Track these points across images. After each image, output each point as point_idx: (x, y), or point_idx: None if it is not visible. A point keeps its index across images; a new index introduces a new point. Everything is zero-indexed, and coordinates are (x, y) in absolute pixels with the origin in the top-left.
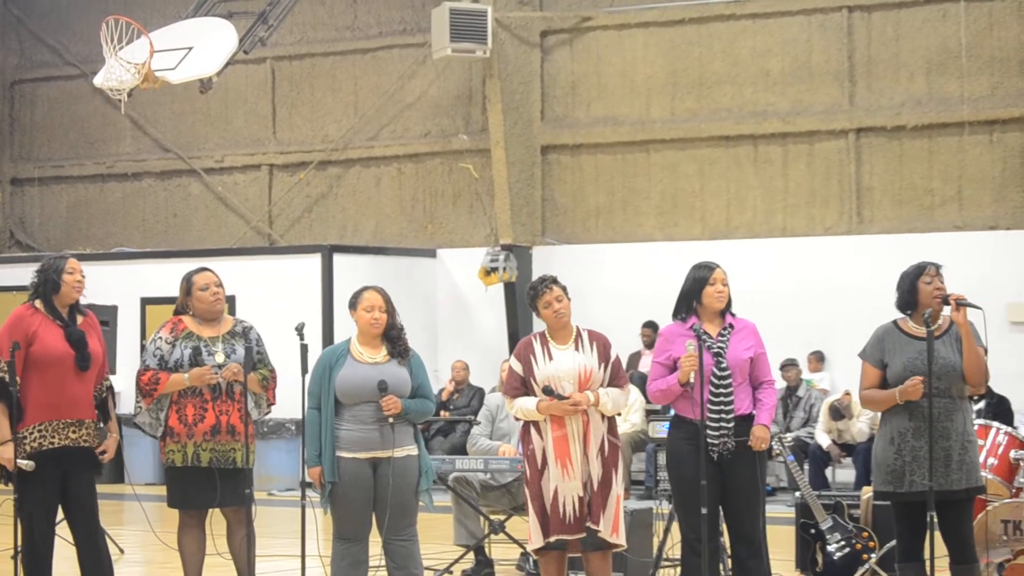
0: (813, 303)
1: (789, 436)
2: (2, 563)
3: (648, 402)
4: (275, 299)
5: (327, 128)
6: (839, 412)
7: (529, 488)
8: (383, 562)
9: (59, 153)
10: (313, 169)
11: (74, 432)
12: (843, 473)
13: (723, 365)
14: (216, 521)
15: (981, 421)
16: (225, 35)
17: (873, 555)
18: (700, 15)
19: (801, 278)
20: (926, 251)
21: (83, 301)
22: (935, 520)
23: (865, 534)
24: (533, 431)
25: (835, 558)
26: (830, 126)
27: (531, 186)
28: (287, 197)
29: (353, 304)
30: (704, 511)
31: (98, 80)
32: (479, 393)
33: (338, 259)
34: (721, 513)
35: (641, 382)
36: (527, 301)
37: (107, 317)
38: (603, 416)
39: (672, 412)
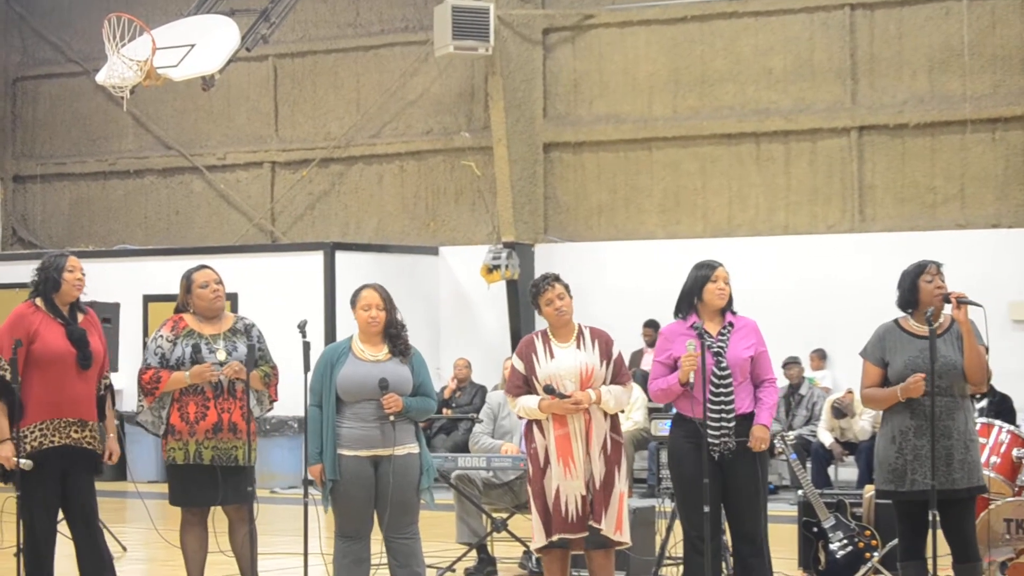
0: (815, 301)
1: (791, 434)
2: (5, 560)
3: (650, 400)
4: (277, 296)
5: (329, 125)
6: (841, 410)
7: (531, 487)
8: (385, 560)
9: (61, 150)
10: (315, 166)
11: (76, 432)
12: (845, 471)
13: (723, 364)
14: (219, 518)
15: (983, 420)
16: (227, 32)
17: (875, 554)
18: (702, 13)
19: (803, 276)
20: (928, 249)
21: (85, 298)
22: (937, 519)
23: (867, 532)
24: (536, 429)
25: (837, 556)
26: (832, 124)
27: (533, 184)
28: (289, 194)
29: (353, 303)
30: (707, 509)
31: (100, 77)
32: (481, 391)
33: (340, 257)
34: (723, 512)
35: (643, 380)
36: (529, 299)
37: (109, 314)
38: (605, 414)
39: (674, 410)
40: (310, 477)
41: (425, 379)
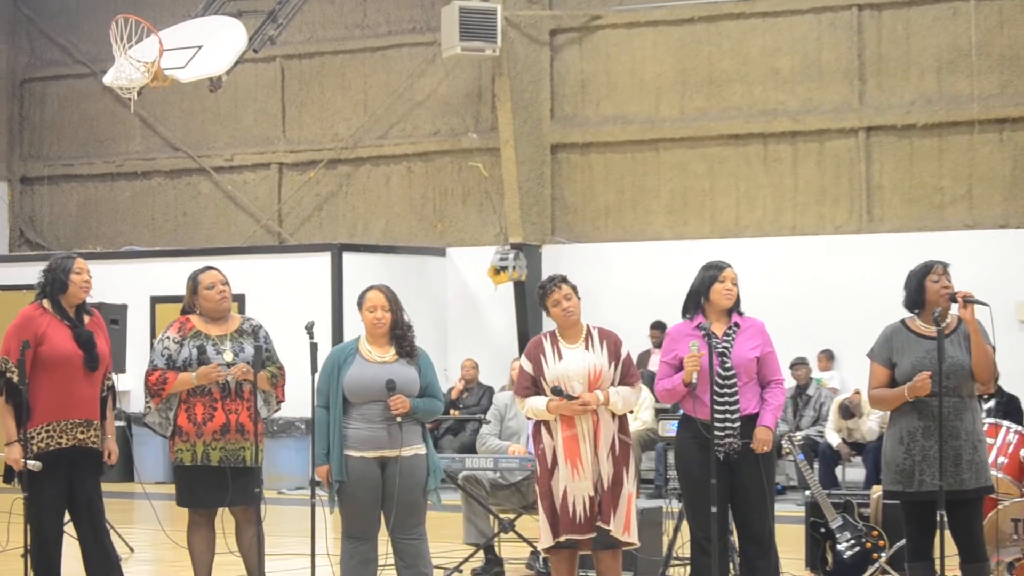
0: (823, 302)
1: (799, 435)
2: (13, 561)
3: (657, 400)
4: (285, 298)
5: (337, 127)
6: (849, 411)
7: (539, 487)
8: (391, 560)
9: (69, 152)
10: (323, 168)
11: (82, 433)
12: (853, 472)
13: (727, 365)
14: (227, 520)
15: (991, 420)
16: (235, 34)
17: (883, 554)
18: (710, 13)
19: (811, 277)
20: (936, 250)
21: (92, 300)
22: (945, 519)
23: (875, 533)
24: (544, 430)
25: (845, 557)
26: (840, 124)
27: (541, 185)
28: (297, 196)
29: (359, 304)
30: (714, 510)
31: (108, 79)
32: (488, 392)
33: (348, 258)
34: (730, 512)
35: (650, 381)
36: (537, 300)
37: (117, 316)
38: (613, 415)
39: (681, 411)
40: (317, 478)
41: (432, 380)
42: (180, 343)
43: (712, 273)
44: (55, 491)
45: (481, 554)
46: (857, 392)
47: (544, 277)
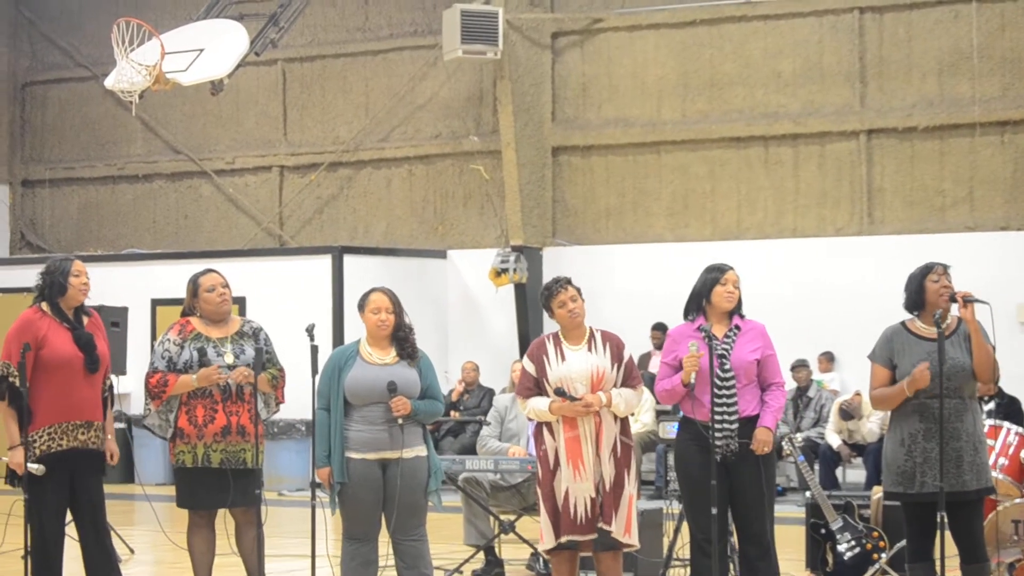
0: (823, 304)
1: (799, 437)
2: (13, 563)
3: (658, 402)
4: (286, 300)
5: (338, 130)
6: (849, 412)
7: (541, 488)
8: (392, 562)
9: (70, 155)
10: (324, 170)
11: (83, 434)
12: (853, 473)
13: (727, 367)
14: (228, 521)
15: (991, 421)
16: (236, 37)
17: (883, 555)
18: (711, 16)
19: (812, 279)
20: (937, 252)
21: (93, 303)
22: (945, 520)
23: (875, 534)
24: (546, 432)
25: (845, 558)
26: (841, 127)
27: (542, 187)
28: (298, 198)
29: (361, 306)
30: (714, 511)
31: (109, 82)
32: (489, 394)
33: (348, 260)
34: (730, 514)
35: (651, 383)
36: (541, 301)
37: (117, 318)
38: (615, 417)
39: (681, 413)
40: (318, 480)
41: (432, 382)
42: (181, 345)
43: (714, 275)
44: (57, 493)
45: (481, 555)
46: (858, 394)
47: (545, 280)
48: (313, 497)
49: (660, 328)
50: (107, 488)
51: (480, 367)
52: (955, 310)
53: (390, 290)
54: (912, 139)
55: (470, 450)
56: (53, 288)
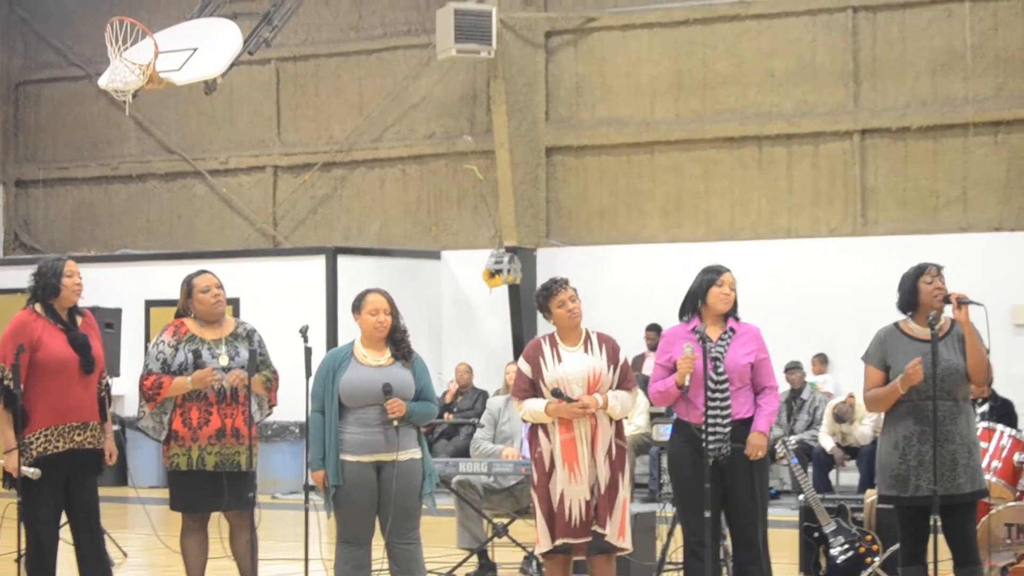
0: (817, 305)
1: (793, 439)
2: (6, 566)
3: (652, 404)
4: (279, 301)
5: (331, 129)
6: (842, 416)
7: (536, 491)
8: (386, 565)
9: (63, 155)
10: (317, 171)
11: (79, 435)
12: (847, 476)
13: (720, 370)
14: (221, 524)
15: (985, 424)
16: (230, 36)
17: (876, 558)
18: (705, 16)
19: (805, 280)
20: (930, 252)
21: (87, 304)
22: (938, 524)
23: (868, 537)
24: (541, 434)
25: (838, 561)
26: (835, 127)
27: (535, 187)
28: (292, 199)
29: (357, 307)
30: (708, 514)
31: (102, 81)
32: (483, 396)
33: (342, 261)
34: (724, 517)
35: (644, 384)
36: (538, 301)
37: (111, 319)
38: (611, 419)
39: (674, 415)
40: (312, 483)
41: (427, 383)
42: (175, 347)
43: (711, 277)
44: (52, 497)
45: (475, 559)
46: (851, 396)
47: (538, 280)
48: (307, 500)
49: (654, 329)
50: (100, 491)
51: (473, 369)
52: (949, 311)
53: (386, 291)
54: (905, 139)
55: (463, 453)
56: (46, 289)
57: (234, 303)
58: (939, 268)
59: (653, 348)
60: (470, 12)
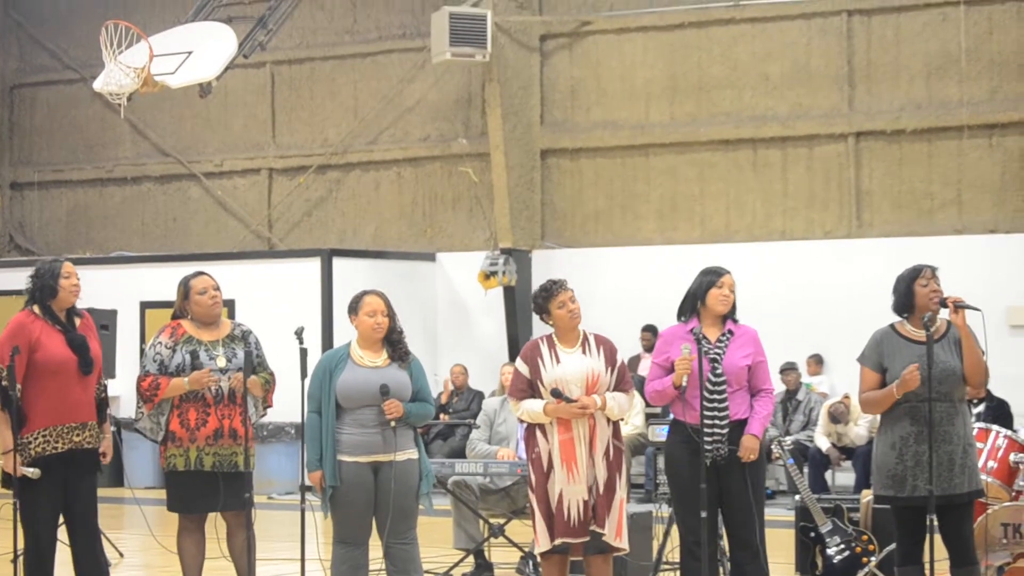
0: (812, 306)
1: (788, 439)
2: (2, 566)
3: (648, 405)
4: (275, 303)
5: (326, 132)
6: (837, 416)
7: (535, 491)
8: (383, 566)
9: (58, 157)
10: (312, 173)
11: (78, 435)
12: (843, 476)
13: (718, 371)
14: (218, 525)
15: (981, 424)
16: (224, 39)
17: (873, 558)
18: (699, 19)
19: (800, 282)
20: (925, 255)
21: (82, 305)
22: (935, 524)
23: (865, 537)
24: (539, 434)
25: (835, 561)
26: (829, 130)
27: (531, 190)
28: (287, 201)
29: (354, 309)
30: (704, 515)
31: (97, 84)
32: (478, 397)
33: (337, 263)
34: (720, 517)
35: (640, 385)
36: (537, 303)
37: (107, 321)
38: (608, 420)
39: (671, 416)
40: (309, 483)
41: (423, 384)
42: (172, 348)
43: (710, 278)
44: (51, 497)
45: (471, 559)
46: (846, 397)
47: (533, 282)
48: (303, 500)
49: (650, 330)
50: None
51: (469, 370)
52: (944, 313)
53: (383, 293)
54: (900, 142)
55: (459, 453)
56: (44, 291)
57: (229, 305)
58: (934, 270)
59: (648, 349)
60: (465, 16)
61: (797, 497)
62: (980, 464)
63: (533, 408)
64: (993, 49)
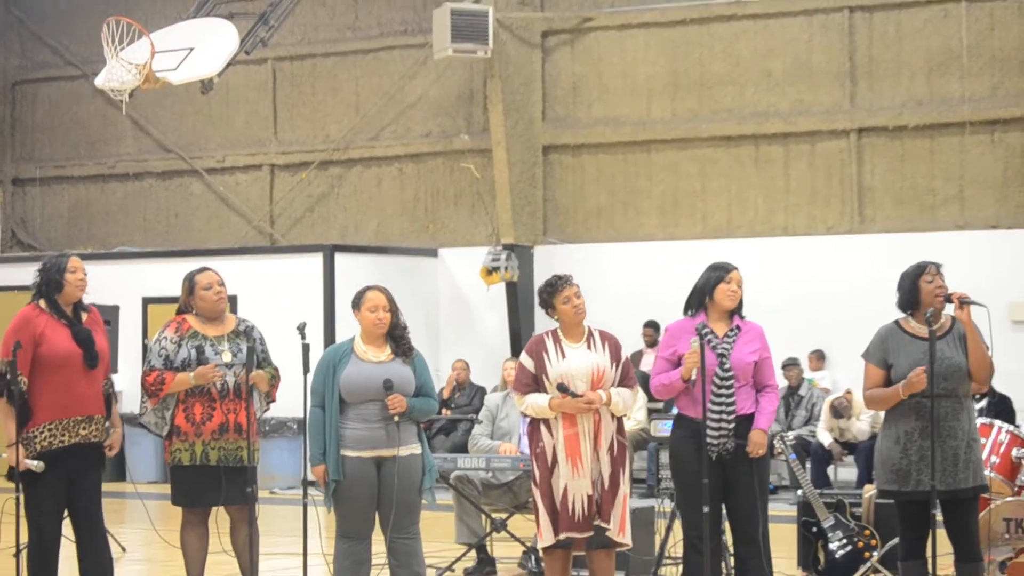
0: (814, 302)
1: (791, 435)
2: (4, 561)
3: (650, 400)
4: (277, 299)
5: (328, 128)
6: (840, 411)
7: (539, 486)
8: (385, 561)
9: (60, 153)
10: (314, 169)
11: (84, 429)
12: (845, 471)
13: (727, 366)
14: (220, 519)
15: (983, 420)
16: (226, 36)
17: (875, 553)
18: (701, 15)
19: (802, 278)
20: (927, 250)
21: (85, 300)
22: (938, 518)
23: (867, 532)
24: (543, 429)
25: (837, 556)
26: (831, 126)
27: (532, 186)
28: (288, 197)
29: (356, 304)
30: (706, 509)
31: (99, 81)
32: (480, 392)
33: (340, 259)
34: (724, 512)
35: (642, 381)
36: (542, 297)
37: (109, 317)
38: (613, 415)
39: (675, 410)
40: (311, 478)
41: (427, 380)
42: (178, 343)
43: (718, 274)
44: (55, 491)
45: (473, 553)
46: (848, 392)
47: (535, 278)
48: (305, 495)
49: (652, 326)
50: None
51: (471, 365)
52: (949, 309)
53: (386, 288)
54: (902, 138)
55: (462, 448)
56: (50, 285)
57: (231, 301)
58: (939, 267)
59: (650, 345)
60: (466, 12)
61: (799, 492)
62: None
63: (538, 402)
64: (995, 45)
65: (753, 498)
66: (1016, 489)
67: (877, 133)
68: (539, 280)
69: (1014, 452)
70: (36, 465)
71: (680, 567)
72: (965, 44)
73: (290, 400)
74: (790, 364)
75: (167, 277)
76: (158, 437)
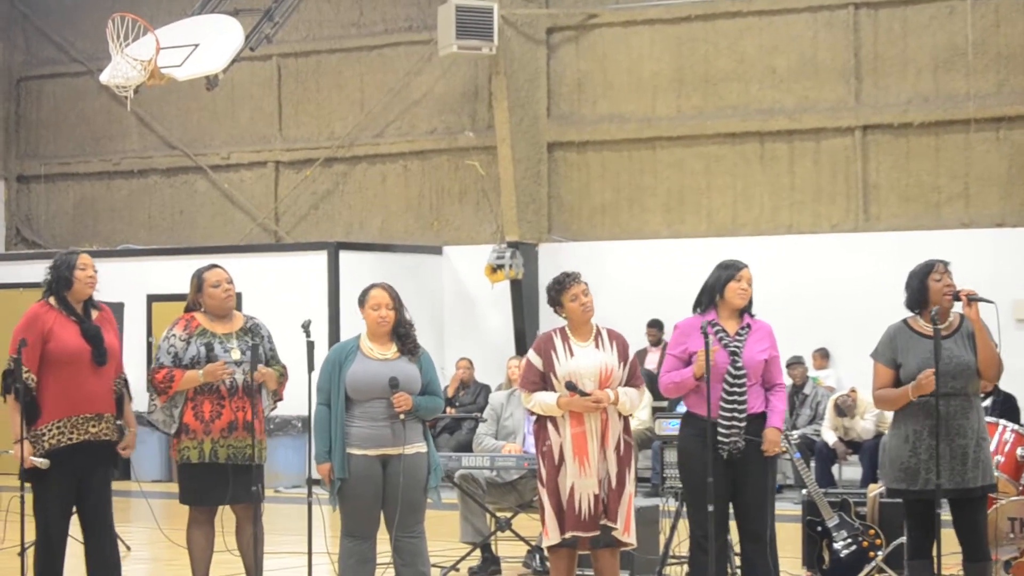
0: (819, 300)
1: (795, 433)
2: (10, 559)
3: (655, 399)
4: (281, 296)
5: (333, 125)
6: (844, 410)
7: (545, 485)
8: (390, 559)
9: (65, 150)
10: (319, 166)
11: (94, 427)
12: (850, 470)
13: (739, 364)
14: (225, 518)
15: (989, 419)
16: (231, 32)
17: (880, 552)
18: (706, 12)
19: (807, 275)
20: (933, 248)
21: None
22: (946, 518)
23: (872, 531)
24: (550, 427)
25: (842, 555)
26: (836, 123)
27: (537, 183)
28: (293, 194)
29: (361, 302)
30: (711, 508)
31: (104, 77)
32: (485, 390)
33: (344, 256)
34: (731, 510)
35: (647, 379)
36: (550, 295)
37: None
38: (620, 414)
39: (679, 409)
40: (316, 476)
41: (433, 378)
42: (187, 341)
43: (729, 272)
44: (63, 489)
45: (478, 552)
46: (853, 390)
47: (540, 275)
48: (310, 494)
49: (656, 325)
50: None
51: (475, 363)
52: (957, 307)
53: (390, 286)
54: (907, 135)
55: (466, 447)
56: (59, 282)
57: (236, 298)
58: (946, 265)
59: (655, 344)
60: (471, 8)
61: (804, 491)
62: None
63: (546, 400)
64: (1000, 42)
65: (763, 497)
66: (1021, 488)
67: (882, 130)
68: (544, 278)
69: (1019, 451)
70: (42, 463)
71: (684, 566)
72: (970, 41)
73: (295, 398)
74: (794, 362)
75: (172, 274)
76: (165, 435)
